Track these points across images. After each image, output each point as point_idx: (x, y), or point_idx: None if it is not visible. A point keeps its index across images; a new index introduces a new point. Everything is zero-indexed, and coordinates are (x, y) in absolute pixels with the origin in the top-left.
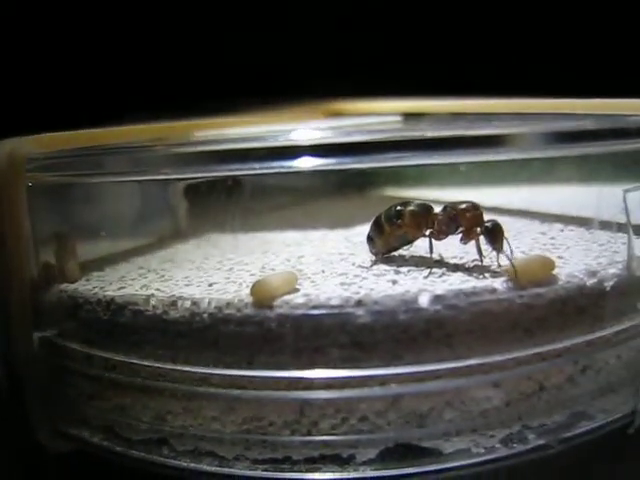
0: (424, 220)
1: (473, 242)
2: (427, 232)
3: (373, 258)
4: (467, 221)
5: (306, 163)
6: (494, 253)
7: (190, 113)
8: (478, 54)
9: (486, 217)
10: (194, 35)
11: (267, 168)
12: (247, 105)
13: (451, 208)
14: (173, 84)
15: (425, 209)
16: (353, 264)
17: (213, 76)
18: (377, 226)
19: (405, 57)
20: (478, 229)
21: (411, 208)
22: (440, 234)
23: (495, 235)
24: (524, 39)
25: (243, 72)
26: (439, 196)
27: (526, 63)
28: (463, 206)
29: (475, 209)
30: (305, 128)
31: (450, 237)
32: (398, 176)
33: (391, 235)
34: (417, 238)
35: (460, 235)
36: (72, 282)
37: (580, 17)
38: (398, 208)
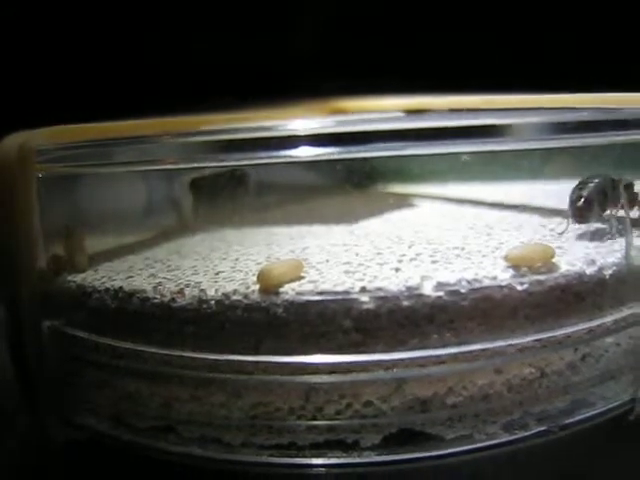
0: None
1: None
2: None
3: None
4: None
5: (309, 152)
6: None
7: (193, 111)
8: (477, 51)
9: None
10: (198, 34)
11: (271, 157)
12: (249, 104)
13: None
14: (178, 83)
15: None
16: (356, 254)
17: (217, 76)
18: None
19: (406, 55)
20: None
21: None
22: None
23: None
24: (522, 36)
25: (246, 72)
26: (441, 191)
27: (525, 60)
28: None
29: None
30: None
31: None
32: (399, 173)
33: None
34: None
35: None
36: (80, 272)
37: (577, 13)
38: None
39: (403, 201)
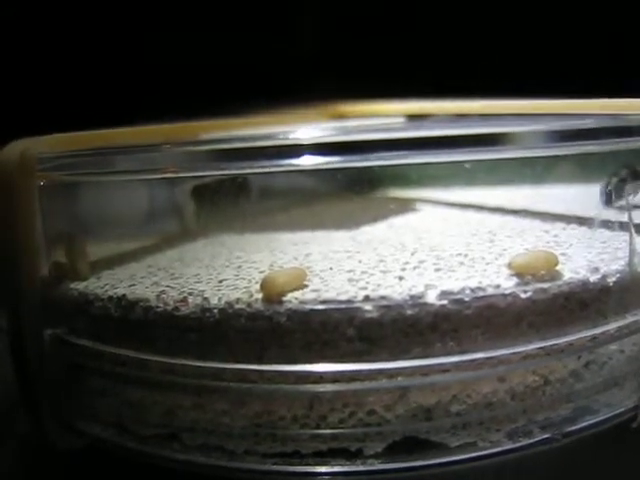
0: None
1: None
2: None
3: None
4: None
5: (312, 161)
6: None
7: (196, 116)
8: (480, 56)
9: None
10: (200, 39)
11: (274, 166)
12: (252, 108)
13: None
14: (179, 87)
15: None
16: (359, 262)
17: (218, 79)
18: None
19: (408, 59)
20: None
21: None
22: None
23: None
24: (525, 41)
25: (248, 75)
26: (443, 196)
27: (527, 65)
28: None
29: None
30: (311, 128)
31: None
32: (401, 178)
33: None
34: None
35: None
36: (83, 280)
37: (580, 18)
38: None
39: (405, 206)
